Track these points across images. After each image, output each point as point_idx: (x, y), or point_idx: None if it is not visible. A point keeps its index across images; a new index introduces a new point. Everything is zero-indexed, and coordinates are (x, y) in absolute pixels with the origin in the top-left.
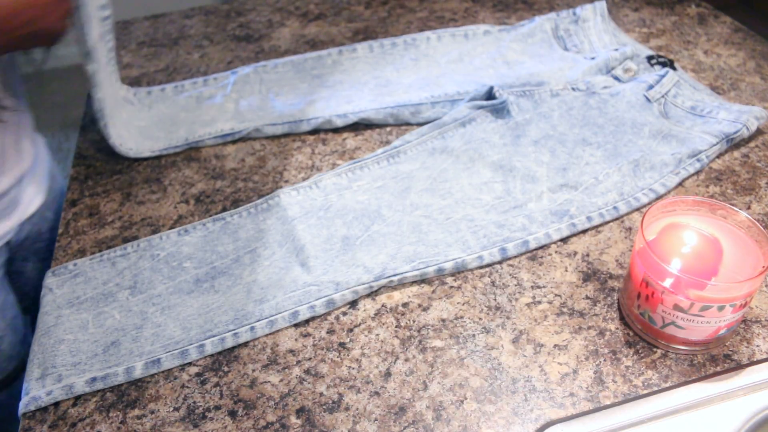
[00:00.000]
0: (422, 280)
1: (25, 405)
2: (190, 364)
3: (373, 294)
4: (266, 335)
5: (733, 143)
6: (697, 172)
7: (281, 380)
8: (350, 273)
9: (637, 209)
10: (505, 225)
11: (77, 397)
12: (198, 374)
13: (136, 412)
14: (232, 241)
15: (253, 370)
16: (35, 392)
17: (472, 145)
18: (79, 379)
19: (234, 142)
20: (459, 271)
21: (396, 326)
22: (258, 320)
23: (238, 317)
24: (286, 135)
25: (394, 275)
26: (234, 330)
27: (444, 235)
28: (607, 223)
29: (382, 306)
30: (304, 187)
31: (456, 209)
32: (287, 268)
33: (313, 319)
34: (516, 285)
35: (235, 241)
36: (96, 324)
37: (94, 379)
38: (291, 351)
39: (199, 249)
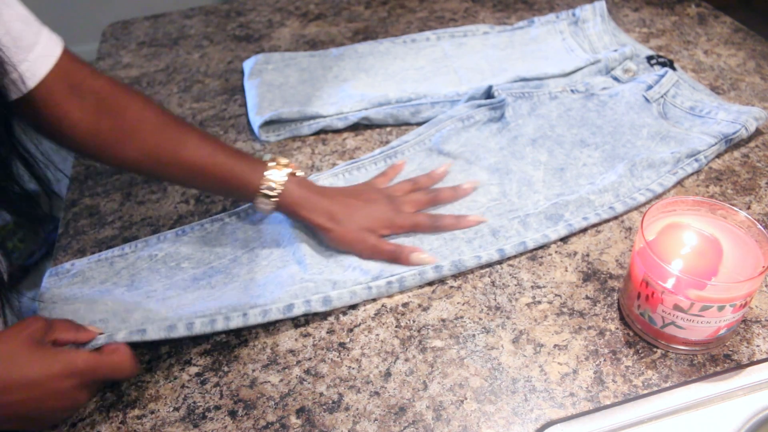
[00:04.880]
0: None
1: None
2: (190, 363)
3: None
4: (265, 336)
5: (732, 144)
6: (697, 172)
7: (281, 380)
8: (347, 274)
9: (635, 209)
10: (500, 231)
11: None
12: (198, 374)
13: (136, 412)
14: (230, 241)
15: (253, 370)
16: None
17: (469, 147)
18: None
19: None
20: (460, 272)
21: (396, 326)
22: (251, 308)
23: (233, 306)
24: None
25: (392, 275)
26: (225, 314)
27: (439, 243)
28: (606, 222)
29: (382, 306)
30: None
31: (451, 211)
32: (284, 268)
33: (312, 318)
34: (516, 285)
35: (233, 242)
36: (88, 310)
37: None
38: (291, 351)
39: (197, 250)
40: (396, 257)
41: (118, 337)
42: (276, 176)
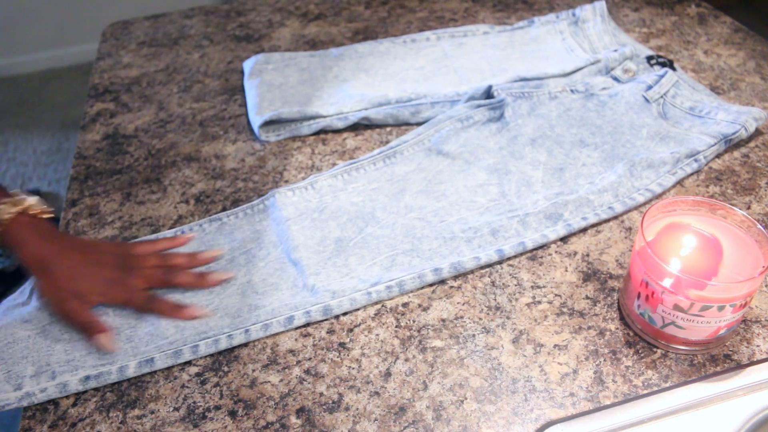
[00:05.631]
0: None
1: (17, 400)
2: (190, 363)
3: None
4: (265, 336)
5: (732, 144)
6: (697, 172)
7: (281, 380)
8: (345, 282)
9: (634, 209)
10: (499, 231)
11: (77, 397)
12: (198, 374)
13: (136, 412)
14: (228, 241)
15: (253, 370)
16: (29, 388)
17: (469, 148)
18: (73, 377)
19: (234, 141)
20: (459, 273)
21: (396, 326)
22: (253, 324)
23: (234, 322)
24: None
25: (391, 280)
26: (228, 332)
27: (438, 243)
28: (606, 222)
29: (382, 306)
30: (300, 188)
31: (450, 211)
32: (282, 269)
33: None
34: (516, 285)
35: (231, 242)
36: None
37: (87, 378)
38: (291, 351)
39: (195, 250)
40: (84, 331)
41: (129, 372)
42: (2, 212)
